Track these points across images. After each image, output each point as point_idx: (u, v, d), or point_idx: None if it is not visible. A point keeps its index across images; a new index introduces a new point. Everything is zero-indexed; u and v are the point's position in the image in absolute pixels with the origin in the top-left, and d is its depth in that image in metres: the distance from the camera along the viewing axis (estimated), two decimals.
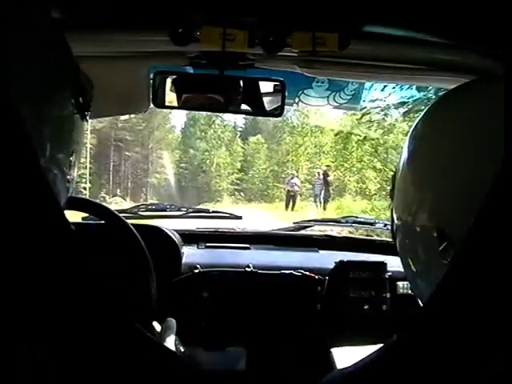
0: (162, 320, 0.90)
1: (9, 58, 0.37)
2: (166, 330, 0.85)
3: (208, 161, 24.12)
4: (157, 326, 0.92)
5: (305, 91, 1.33)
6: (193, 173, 24.52)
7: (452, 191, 0.43)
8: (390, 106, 8.09)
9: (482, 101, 0.45)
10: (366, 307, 1.25)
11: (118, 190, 22.35)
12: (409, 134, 0.52)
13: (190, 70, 0.94)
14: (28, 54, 0.42)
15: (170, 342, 0.82)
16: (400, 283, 1.30)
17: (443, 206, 0.44)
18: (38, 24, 0.46)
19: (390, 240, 1.66)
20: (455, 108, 0.48)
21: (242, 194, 22.84)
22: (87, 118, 0.55)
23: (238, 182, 23.72)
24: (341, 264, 1.29)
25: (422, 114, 0.52)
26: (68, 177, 0.51)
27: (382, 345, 0.37)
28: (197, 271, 1.26)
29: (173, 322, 0.88)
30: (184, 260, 1.29)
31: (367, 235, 1.74)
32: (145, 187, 24.12)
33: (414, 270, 0.51)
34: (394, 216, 0.53)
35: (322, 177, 14.21)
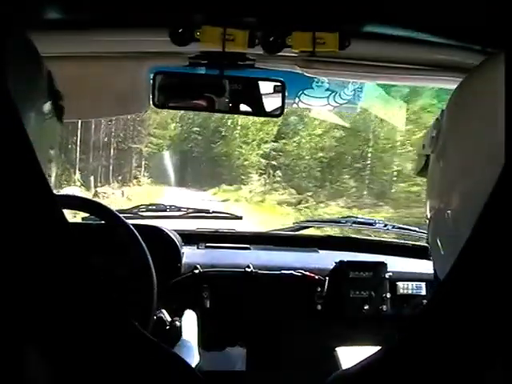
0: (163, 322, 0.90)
1: None
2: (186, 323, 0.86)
3: (230, 121, 15.61)
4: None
5: (305, 91, 1.33)
6: (207, 139, 16.87)
7: (488, 176, 0.42)
8: None
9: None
10: (366, 307, 1.25)
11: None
12: (435, 123, 0.51)
13: (190, 70, 0.94)
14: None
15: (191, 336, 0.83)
16: (400, 283, 1.30)
17: (479, 191, 0.43)
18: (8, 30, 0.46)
19: (390, 240, 1.67)
20: (480, 89, 0.46)
21: (278, 172, 14.15)
22: (62, 118, 0.56)
23: (275, 154, 14.75)
24: (341, 264, 1.29)
25: (448, 101, 0.50)
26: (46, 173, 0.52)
27: (382, 345, 0.37)
28: (197, 271, 1.26)
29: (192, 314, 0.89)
30: (184, 260, 1.29)
31: (367, 235, 1.74)
32: (129, 159, 15.96)
33: (445, 255, 0.50)
34: (428, 205, 0.52)
35: None
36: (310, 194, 12.13)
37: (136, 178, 15.95)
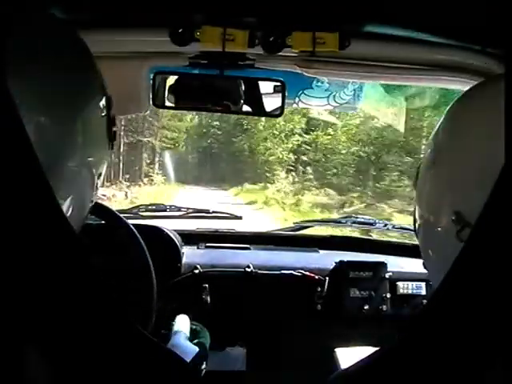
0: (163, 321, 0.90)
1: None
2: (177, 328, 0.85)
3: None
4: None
5: (305, 91, 1.33)
6: (228, 132, 15.12)
7: (479, 189, 0.43)
8: None
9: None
10: (366, 307, 1.25)
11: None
12: (433, 133, 0.52)
13: (190, 70, 0.94)
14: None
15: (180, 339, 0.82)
16: (400, 283, 1.30)
17: (470, 204, 0.43)
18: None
19: (390, 240, 1.67)
20: (478, 106, 0.47)
21: (308, 169, 12.25)
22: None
23: (305, 148, 12.69)
24: (341, 264, 1.29)
25: (446, 111, 0.52)
26: (96, 177, 0.52)
27: (382, 345, 0.37)
28: (197, 271, 1.26)
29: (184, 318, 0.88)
30: (184, 260, 1.29)
31: (367, 235, 1.74)
32: (139, 155, 14.58)
33: (438, 267, 0.50)
34: (417, 213, 0.53)
35: None
36: (354, 195, 10.25)
37: (148, 176, 14.34)
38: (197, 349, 0.81)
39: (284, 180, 12.43)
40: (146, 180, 13.99)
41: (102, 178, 0.54)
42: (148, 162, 15.04)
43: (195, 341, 0.85)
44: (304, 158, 12.66)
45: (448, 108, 0.52)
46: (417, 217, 0.53)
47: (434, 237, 0.50)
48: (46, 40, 0.43)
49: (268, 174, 12.95)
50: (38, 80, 0.41)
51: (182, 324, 0.86)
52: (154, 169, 14.80)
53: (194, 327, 0.90)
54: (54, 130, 0.42)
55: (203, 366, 0.80)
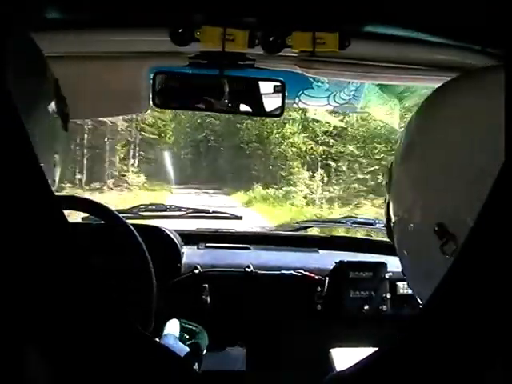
0: (162, 320, 0.90)
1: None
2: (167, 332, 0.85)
3: None
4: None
5: (305, 91, 1.33)
6: (229, 120, 11.72)
7: (451, 187, 0.43)
8: None
9: (477, 95, 0.44)
10: (365, 307, 1.25)
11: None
12: (405, 128, 0.52)
13: (190, 70, 0.94)
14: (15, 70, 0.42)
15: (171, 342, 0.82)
16: (400, 283, 1.30)
17: (443, 202, 0.43)
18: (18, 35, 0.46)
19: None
20: (451, 103, 0.47)
21: (342, 167, 8.66)
22: (67, 124, 0.56)
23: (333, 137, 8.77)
24: (341, 264, 1.29)
25: (418, 107, 0.51)
26: (50, 178, 0.52)
27: (382, 345, 0.37)
28: (197, 271, 1.26)
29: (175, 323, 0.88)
30: (184, 260, 1.29)
31: (367, 235, 1.74)
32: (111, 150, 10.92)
33: (413, 267, 0.50)
34: (391, 211, 0.52)
35: None
36: None
37: (120, 176, 10.37)
38: (187, 349, 0.81)
39: (310, 180, 8.40)
40: (115, 183, 10.37)
41: (57, 168, 0.54)
42: (122, 156, 11.80)
43: (189, 342, 0.85)
44: (332, 150, 8.40)
45: (422, 102, 0.51)
46: (391, 214, 0.53)
47: (412, 239, 0.49)
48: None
49: (284, 173, 9.01)
50: None
51: (172, 327, 0.85)
52: (129, 166, 11.25)
53: (192, 328, 0.90)
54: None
55: (195, 367, 0.79)
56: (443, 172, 0.44)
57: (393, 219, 0.52)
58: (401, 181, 0.50)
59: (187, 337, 0.87)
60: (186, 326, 0.89)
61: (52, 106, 0.51)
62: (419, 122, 0.50)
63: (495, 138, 0.33)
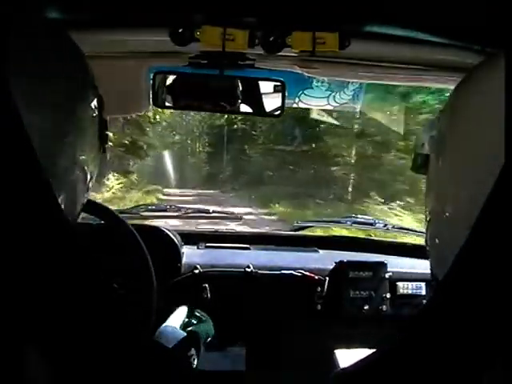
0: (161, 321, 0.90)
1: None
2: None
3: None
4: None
5: (305, 91, 1.33)
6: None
7: (482, 178, 0.42)
8: None
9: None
10: (365, 307, 1.25)
11: None
12: (434, 123, 0.51)
13: (190, 70, 0.94)
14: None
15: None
16: (400, 283, 1.30)
17: (474, 192, 0.41)
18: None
19: (390, 240, 1.66)
20: (478, 91, 0.45)
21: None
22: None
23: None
24: (341, 264, 1.29)
25: (446, 102, 0.50)
26: (89, 177, 0.52)
27: (382, 345, 0.37)
28: (197, 271, 1.26)
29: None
30: (184, 260, 1.29)
31: (367, 235, 1.74)
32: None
33: (441, 254, 0.49)
34: (428, 205, 0.52)
35: None
36: None
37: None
38: (184, 334, 0.82)
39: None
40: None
41: (93, 178, 0.54)
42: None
43: (189, 329, 0.86)
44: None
45: (449, 96, 0.51)
46: (427, 208, 0.52)
47: (442, 227, 0.48)
48: (36, 40, 0.43)
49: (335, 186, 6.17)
50: (28, 80, 0.40)
51: (177, 315, 0.88)
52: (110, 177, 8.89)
53: (200, 316, 0.92)
54: (44, 130, 0.42)
55: (191, 353, 0.80)
56: (475, 163, 0.43)
57: (428, 214, 0.52)
58: (436, 174, 0.50)
59: (194, 322, 0.90)
60: (196, 313, 0.92)
61: (94, 104, 0.52)
62: (448, 116, 0.49)
63: None
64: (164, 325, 0.84)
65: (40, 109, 0.41)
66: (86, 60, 0.52)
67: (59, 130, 0.44)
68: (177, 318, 0.87)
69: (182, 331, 0.84)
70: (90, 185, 0.54)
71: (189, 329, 0.86)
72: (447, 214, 0.46)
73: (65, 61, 0.47)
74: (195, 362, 0.80)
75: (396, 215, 6.38)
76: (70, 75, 0.47)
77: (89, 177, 0.52)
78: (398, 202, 7.14)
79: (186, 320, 0.89)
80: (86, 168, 0.51)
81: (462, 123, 0.46)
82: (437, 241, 0.50)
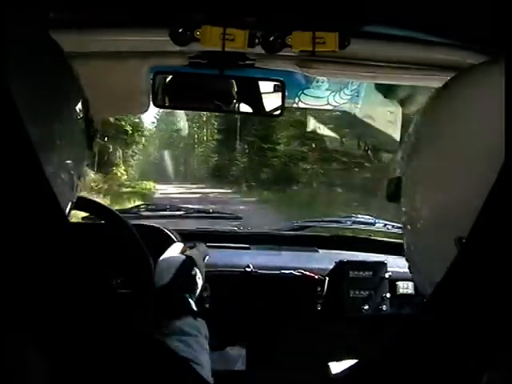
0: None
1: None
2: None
3: None
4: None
5: (305, 91, 1.33)
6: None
7: (461, 177, 0.42)
8: None
9: (484, 89, 0.43)
10: (365, 307, 1.25)
11: None
12: (412, 126, 0.51)
13: (190, 70, 0.94)
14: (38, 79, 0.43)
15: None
16: (400, 283, 1.30)
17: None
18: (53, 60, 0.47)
19: (390, 240, 1.66)
20: (459, 98, 0.46)
21: None
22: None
23: None
24: (341, 264, 1.29)
25: (424, 104, 0.51)
26: (76, 179, 0.52)
27: (382, 345, 0.37)
28: None
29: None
30: None
31: (367, 235, 1.74)
32: None
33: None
34: (403, 207, 0.51)
35: None
36: None
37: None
38: (183, 257, 0.87)
39: None
40: None
41: (82, 178, 0.54)
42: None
43: (186, 253, 0.91)
44: None
45: (428, 98, 0.51)
46: (403, 210, 0.52)
47: (417, 234, 0.48)
48: (20, 40, 0.42)
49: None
50: (13, 81, 0.40)
51: (171, 250, 0.93)
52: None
53: (191, 244, 0.99)
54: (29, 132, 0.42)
55: (194, 272, 0.84)
56: (454, 163, 0.43)
57: (403, 219, 0.51)
58: (409, 177, 0.50)
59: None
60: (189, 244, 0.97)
61: (78, 106, 0.51)
62: (426, 118, 0.49)
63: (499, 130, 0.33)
64: (162, 257, 0.88)
65: (23, 111, 0.41)
66: (68, 61, 0.51)
67: (42, 132, 0.44)
68: (173, 251, 0.92)
69: (181, 255, 0.88)
70: (79, 186, 0.54)
71: (186, 253, 0.90)
72: (422, 221, 0.47)
73: (46, 62, 0.47)
74: (200, 282, 0.84)
75: None
76: (52, 77, 0.47)
77: (75, 178, 0.52)
78: None
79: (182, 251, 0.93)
80: (72, 170, 0.50)
81: (438, 128, 0.46)
82: (412, 248, 0.50)
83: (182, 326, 0.70)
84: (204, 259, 0.91)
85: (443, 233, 0.42)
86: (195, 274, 0.83)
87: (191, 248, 0.95)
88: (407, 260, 0.53)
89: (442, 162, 0.44)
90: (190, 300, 0.78)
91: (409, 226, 0.50)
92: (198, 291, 0.85)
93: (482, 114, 0.41)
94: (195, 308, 0.78)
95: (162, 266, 0.85)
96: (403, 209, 0.51)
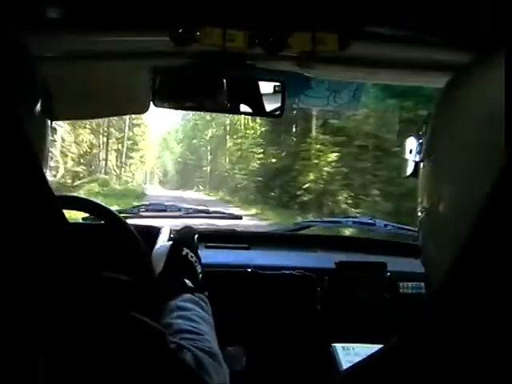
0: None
1: None
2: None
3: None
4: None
5: (305, 91, 1.33)
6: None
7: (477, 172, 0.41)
8: None
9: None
10: (365, 307, 1.25)
11: None
12: (427, 121, 0.51)
13: (190, 70, 0.94)
14: None
15: None
16: (400, 283, 1.30)
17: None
18: None
19: (390, 240, 1.66)
20: (471, 86, 0.45)
21: None
22: (51, 120, 0.56)
23: None
24: (341, 264, 1.29)
25: (437, 100, 0.50)
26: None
27: (382, 345, 0.37)
28: None
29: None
30: None
31: (367, 235, 1.74)
32: None
33: (434, 256, 0.49)
34: (420, 203, 0.51)
35: None
36: None
37: None
38: (170, 242, 0.89)
39: None
40: None
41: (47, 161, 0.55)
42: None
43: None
44: None
45: (437, 99, 0.51)
46: (419, 210, 0.52)
47: (434, 229, 0.48)
48: None
49: None
50: None
51: (161, 237, 0.96)
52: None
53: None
54: None
55: (185, 252, 0.85)
56: (470, 157, 0.42)
57: (420, 215, 0.51)
58: (426, 177, 0.50)
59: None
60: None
61: (39, 105, 0.51)
62: (437, 116, 0.49)
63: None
64: (154, 250, 0.91)
65: None
66: (31, 59, 0.50)
67: None
68: (163, 237, 0.95)
69: (168, 242, 0.90)
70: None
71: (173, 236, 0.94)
72: (438, 217, 0.46)
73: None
74: (194, 260, 0.86)
75: None
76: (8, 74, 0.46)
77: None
78: None
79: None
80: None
81: (450, 124, 0.46)
82: (430, 244, 0.50)
83: (178, 303, 0.72)
84: (194, 238, 0.93)
85: (462, 228, 0.42)
86: (187, 254, 0.85)
87: (177, 231, 0.98)
88: (422, 259, 0.53)
89: (457, 157, 0.44)
90: (185, 280, 0.80)
91: (425, 222, 0.50)
92: (199, 268, 0.88)
93: (493, 106, 0.41)
94: (192, 285, 0.81)
95: (155, 258, 0.88)
96: (420, 205, 0.51)
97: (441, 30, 0.77)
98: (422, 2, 0.66)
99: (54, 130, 0.56)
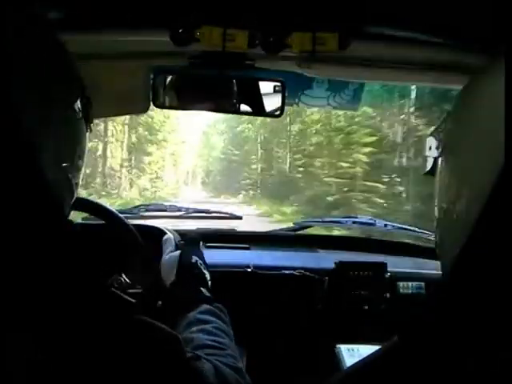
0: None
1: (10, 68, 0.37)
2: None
3: None
4: None
5: (305, 91, 1.33)
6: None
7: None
8: None
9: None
10: (365, 307, 1.25)
11: None
12: (443, 122, 0.51)
13: (190, 70, 0.94)
14: (31, 65, 0.42)
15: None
16: (400, 283, 1.30)
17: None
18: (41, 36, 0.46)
19: (390, 240, 1.66)
20: (485, 90, 0.45)
21: None
22: (90, 126, 0.56)
23: None
24: (341, 264, 1.29)
25: (454, 101, 0.51)
26: (74, 181, 0.52)
27: (382, 345, 0.37)
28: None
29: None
30: None
31: (367, 235, 1.74)
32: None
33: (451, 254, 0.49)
34: (436, 203, 0.52)
35: None
36: None
37: None
38: (178, 252, 0.88)
39: None
40: None
41: (81, 173, 0.54)
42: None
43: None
44: None
45: (455, 98, 0.51)
46: (436, 209, 0.52)
47: (451, 228, 0.48)
48: (21, 40, 0.42)
49: None
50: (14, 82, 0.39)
51: (166, 246, 0.94)
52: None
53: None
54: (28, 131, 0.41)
55: (194, 259, 0.86)
56: (481, 164, 0.43)
57: (437, 214, 0.52)
58: (444, 175, 0.50)
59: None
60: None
61: (78, 106, 0.51)
62: (455, 116, 0.50)
63: None
64: (162, 259, 0.89)
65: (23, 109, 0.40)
66: (72, 59, 0.51)
67: (39, 131, 0.43)
68: (169, 245, 0.93)
69: (177, 251, 0.89)
70: (75, 189, 0.54)
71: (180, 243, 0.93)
72: (455, 216, 0.46)
73: (45, 62, 0.46)
74: (203, 267, 0.87)
75: None
76: (52, 76, 0.46)
77: (74, 182, 0.52)
78: None
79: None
80: (69, 174, 0.50)
81: (468, 124, 0.46)
82: (447, 242, 0.50)
83: (198, 316, 0.70)
84: (199, 245, 0.94)
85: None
86: (196, 262, 0.85)
87: (183, 238, 0.98)
88: (439, 258, 0.53)
89: (472, 160, 0.44)
90: (201, 288, 0.79)
91: (442, 221, 0.50)
92: (208, 275, 0.87)
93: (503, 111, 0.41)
94: (208, 294, 0.79)
95: (165, 267, 0.86)
96: (437, 204, 0.51)
97: (440, 30, 0.77)
98: (422, 2, 0.66)
99: (90, 129, 0.56)
